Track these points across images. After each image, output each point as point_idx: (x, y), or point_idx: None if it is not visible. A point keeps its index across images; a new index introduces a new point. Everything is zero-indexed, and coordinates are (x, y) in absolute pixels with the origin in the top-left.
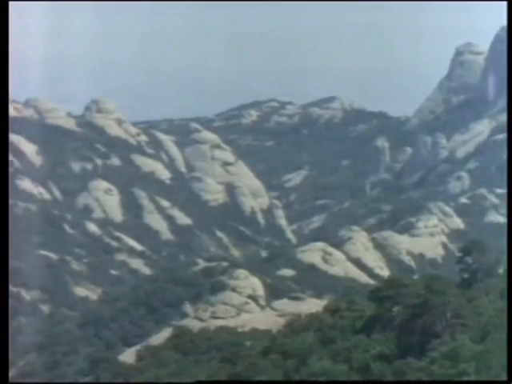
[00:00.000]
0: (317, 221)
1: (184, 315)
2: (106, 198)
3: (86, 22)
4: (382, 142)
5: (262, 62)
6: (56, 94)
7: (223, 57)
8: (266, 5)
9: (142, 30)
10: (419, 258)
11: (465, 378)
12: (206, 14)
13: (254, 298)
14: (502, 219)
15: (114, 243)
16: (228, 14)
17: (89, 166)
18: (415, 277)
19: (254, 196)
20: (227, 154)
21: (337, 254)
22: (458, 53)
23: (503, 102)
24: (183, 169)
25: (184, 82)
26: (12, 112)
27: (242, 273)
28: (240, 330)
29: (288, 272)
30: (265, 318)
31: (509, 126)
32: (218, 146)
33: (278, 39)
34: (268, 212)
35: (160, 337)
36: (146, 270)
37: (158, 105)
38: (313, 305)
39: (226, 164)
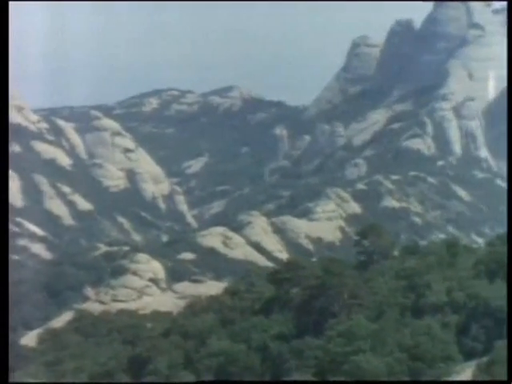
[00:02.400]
0: (217, 206)
1: (85, 298)
2: None
3: None
4: (281, 130)
5: (163, 52)
6: None
7: (125, 46)
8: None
9: (44, 19)
10: (317, 241)
11: (360, 355)
12: (112, 5)
13: (154, 281)
14: (397, 204)
15: (15, 228)
16: (135, 5)
17: None
18: (313, 259)
19: (155, 182)
20: (128, 141)
21: (236, 238)
22: (355, 45)
23: (398, 92)
24: (84, 155)
25: (85, 70)
26: None
27: (143, 257)
28: (141, 312)
29: (188, 255)
30: (165, 301)
31: (509, 126)
32: (118, 133)
33: (179, 31)
34: (169, 198)
35: (61, 320)
36: (48, 255)
37: (57, 92)
38: (213, 287)
39: (126, 151)
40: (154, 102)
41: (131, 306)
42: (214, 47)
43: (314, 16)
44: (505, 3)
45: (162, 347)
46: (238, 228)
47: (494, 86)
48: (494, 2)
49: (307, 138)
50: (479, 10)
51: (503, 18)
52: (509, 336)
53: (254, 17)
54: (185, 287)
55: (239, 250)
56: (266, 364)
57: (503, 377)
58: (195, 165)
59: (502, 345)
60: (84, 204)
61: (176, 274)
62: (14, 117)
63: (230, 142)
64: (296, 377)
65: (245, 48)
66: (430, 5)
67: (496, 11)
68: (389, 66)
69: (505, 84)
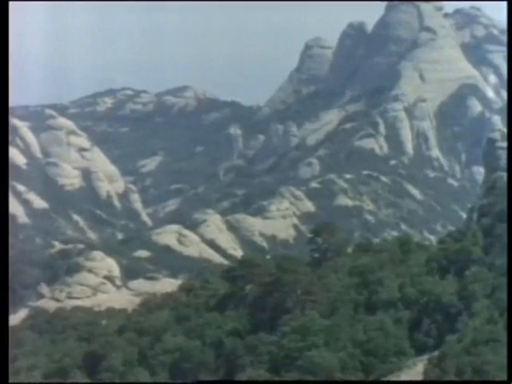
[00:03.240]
0: (172, 204)
1: (40, 296)
2: None
3: None
4: (235, 130)
5: (118, 53)
6: None
7: (80, 47)
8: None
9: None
10: (271, 239)
11: (314, 351)
12: (69, 7)
13: (109, 278)
14: (351, 202)
15: None
16: (90, 9)
17: None
18: (267, 257)
19: (110, 181)
20: (83, 140)
21: (191, 236)
22: (308, 47)
23: (351, 93)
24: (39, 154)
25: (40, 70)
26: None
27: (98, 254)
28: (96, 309)
29: (143, 253)
30: (120, 298)
31: (509, 127)
32: (73, 132)
33: (133, 33)
34: (124, 196)
35: (16, 317)
36: None
37: (12, 91)
38: (168, 284)
39: (81, 150)
40: (108, 102)
41: (86, 303)
42: (167, 48)
43: (268, 17)
44: (455, 4)
45: (116, 344)
46: (192, 226)
47: (445, 88)
48: (444, 6)
49: (261, 137)
50: (430, 14)
51: (454, 21)
52: (509, 336)
53: (206, 17)
54: (140, 284)
55: (194, 247)
56: (221, 360)
57: (452, 371)
58: (150, 164)
59: (452, 339)
60: (39, 202)
61: (131, 272)
62: None
63: (184, 142)
64: (250, 372)
65: (199, 48)
66: (382, 8)
67: (447, 15)
68: (341, 68)
69: (455, 86)
